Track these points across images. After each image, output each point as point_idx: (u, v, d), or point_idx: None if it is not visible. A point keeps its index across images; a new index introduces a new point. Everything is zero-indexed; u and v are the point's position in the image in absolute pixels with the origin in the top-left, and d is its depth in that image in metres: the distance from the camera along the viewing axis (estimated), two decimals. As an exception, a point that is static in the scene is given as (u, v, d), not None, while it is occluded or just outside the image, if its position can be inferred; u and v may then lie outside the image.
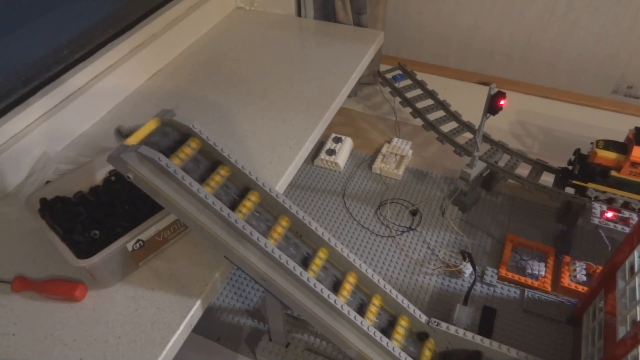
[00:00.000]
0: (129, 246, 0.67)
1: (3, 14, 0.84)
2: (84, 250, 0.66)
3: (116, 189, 0.77)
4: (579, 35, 1.39)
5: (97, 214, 0.72)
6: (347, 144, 1.26)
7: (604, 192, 0.94)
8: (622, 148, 0.92)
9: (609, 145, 0.93)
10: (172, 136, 0.67)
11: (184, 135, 0.68)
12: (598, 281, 0.80)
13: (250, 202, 0.67)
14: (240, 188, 0.69)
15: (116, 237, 0.66)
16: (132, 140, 0.62)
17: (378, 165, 1.20)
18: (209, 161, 0.69)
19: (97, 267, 0.65)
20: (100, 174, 0.80)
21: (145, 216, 0.69)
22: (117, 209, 0.73)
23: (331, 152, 1.23)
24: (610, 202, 0.95)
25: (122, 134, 0.86)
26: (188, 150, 0.66)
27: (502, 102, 0.85)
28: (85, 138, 0.98)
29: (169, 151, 0.65)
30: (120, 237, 0.66)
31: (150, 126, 0.65)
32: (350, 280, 0.70)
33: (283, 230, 0.68)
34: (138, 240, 0.68)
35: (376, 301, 0.71)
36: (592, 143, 0.96)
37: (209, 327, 0.92)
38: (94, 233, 0.69)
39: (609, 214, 0.91)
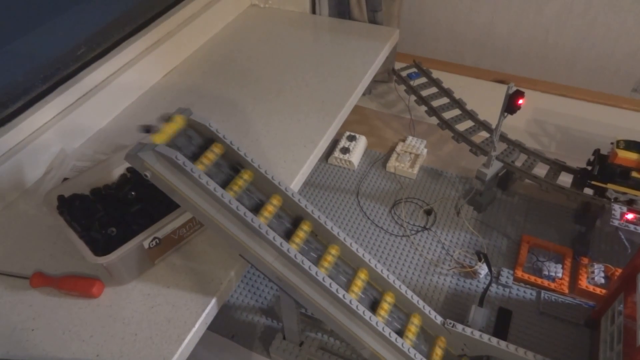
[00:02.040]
0: (146, 244, 0.68)
1: (22, 14, 0.85)
2: (101, 247, 0.67)
3: (133, 187, 0.77)
4: (598, 32, 1.36)
5: (114, 212, 0.72)
6: (361, 143, 1.26)
7: (625, 194, 0.92)
8: (644, 148, 0.90)
9: (630, 145, 0.91)
10: (195, 141, 0.67)
11: (207, 139, 0.68)
12: (617, 284, 0.78)
13: (272, 207, 0.67)
14: (263, 192, 0.69)
15: (133, 234, 0.67)
16: (158, 139, 0.62)
17: (392, 164, 1.20)
18: (230, 164, 0.69)
19: (114, 264, 0.65)
20: (117, 171, 0.81)
21: (161, 214, 0.70)
22: (134, 206, 0.73)
23: (345, 150, 1.23)
24: (630, 204, 0.93)
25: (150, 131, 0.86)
26: (211, 155, 0.66)
27: (520, 101, 0.84)
28: (101, 135, 0.98)
29: (193, 156, 0.65)
30: (137, 235, 0.67)
31: (176, 124, 0.65)
32: (363, 278, 0.70)
33: (305, 234, 0.68)
34: (154, 238, 0.68)
35: (389, 299, 0.71)
36: (612, 143, 0.94)
37: (224, 324, 0.92)
38: (111, 230, 0.70)
39: (630, 216, 0.89)
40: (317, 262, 0.67)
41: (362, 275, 0.70)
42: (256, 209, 0.66)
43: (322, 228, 0.69)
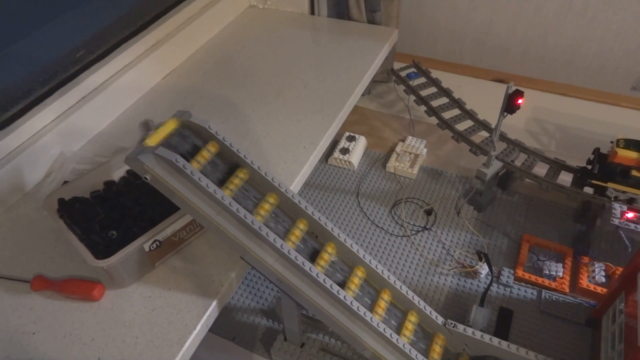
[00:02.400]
0: (146, 246, 0.67)
1: (20, 17, 0.85)
2: (101, 250, 0.67)
3: (132, 189, 0.77)
4: (597, 31, 1.36)
5: (115, 214, 0.72)
6: (361, 143, 1.26)
7: (625, 192, 0.92)
8: (644, 147, 0.90)
9: (630, 144, 0.91)
10: (190, 140, 0.67)
11: (203, 138, 0.68)
12: (618, 283, 0.78)
13: (268, 205, 0.67)
14: (259, 191, 0.69)
15: (133, 237, 0.67)
16: (151, 141, 0.62)
17: (392, 164, 1.20)
18: (227, 164, 0.69)
19: (114, 267, 0.65)
20: (117, 174, 0.81)
21: (161, 217, 0.69)
22: (134, 209, 0.73)
23: (345, 151, 1.22)
24: (630, 203, 0.93)
25: (150, 128, 0.86)
26: (206, 154, 0.66)
27: (520, 101, 0.84)
28: (101, 137, 0.98)
29: (188, 155, 0.65)
30: (137, 238, 0.67)
31: (168, 127, 0.65)
32: (360, 275, 0.69)
33: (301, 233, 0.67)
34: (155, 241, 0.68)
35: (386, 297, 0.70)
36: (612, 142, 0.94)
37: (224, 326, 0.92)
38: (111, 233, 0.70)
39: (630, 215, 0.89)
40: (314, 260, 0.67)
41: (360, 274, 0.70)
42: (253, 207, 0.66)
43: (319, 226, 0.69)
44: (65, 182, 0.83)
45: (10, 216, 0.82)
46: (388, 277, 0.70)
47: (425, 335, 0.73)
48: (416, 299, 0.72)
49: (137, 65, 1.06)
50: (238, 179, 0.66)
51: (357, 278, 0.69)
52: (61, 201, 0.73)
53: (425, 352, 0.70)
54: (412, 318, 0.71)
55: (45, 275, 0.72)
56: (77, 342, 0.64)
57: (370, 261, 0.70)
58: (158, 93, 1.10)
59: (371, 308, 0.68)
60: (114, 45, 1.05)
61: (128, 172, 0.81)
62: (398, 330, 0.69)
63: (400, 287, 0.71)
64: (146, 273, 0.72)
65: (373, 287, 0.71)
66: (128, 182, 0.79)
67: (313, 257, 0.67)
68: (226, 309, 0.95)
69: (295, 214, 0.70)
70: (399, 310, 0.72)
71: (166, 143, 0.64)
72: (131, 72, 1.05)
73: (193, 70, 1.16)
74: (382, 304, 0.69)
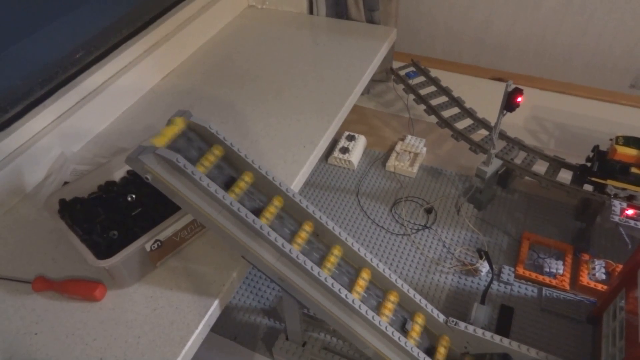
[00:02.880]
0: (148, 246, 0.67)
1: (19, 19, 0.85)
2: (103, 250, 0.67)
3: (133, 190, 0.77)
4: (595, 29, 1.37)
5: (116, 215, 0.72)
6: (361, 142, 1.26)
7: (624, 189, 0.93)
8: (643, 144, 0.90)
9: (629, 141, 0.91)
10: (196, 143, 0.67)
11: (207, 142, 0.68)
12: (619, 280, 0.79)
13: (274, 207, 0.67)
14: (264, 194, 0.69)
15: (134, 237, 0.67)
16: (158, 142, 0.62)
17: (392, 163, 1.20)
18: (233, 167, 0.69)
19: (116, 267, 0.65)
20: (117, 175, 0.81)
21: (162, 217, 0.70)
22: (135, 209, 0.73)
23: (345, 150, 1.23)
24: (630, 200, 0.93)
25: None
26: (212, 157, 0.66)
27: (519, 99, 0.84)
28: (101, 138, 0.98)
29: (194, 159, 0.65)
30: (138, 238, 0.67)
31: (175, 127, 0.65)
32: (365, 277, 0.70)
33: (307, 235, 0.68)
34: (156, 241, 0.68)
35: (392, 298, 0.71)
36: (611, 140, 0.94)
37: (226, 326, 0.92)
38: (112, 234, 0.70)
39: (630, 212, 0.90)
40: (319, 262, 0.67)
41: (365, 275, 0.70)
42: (258, 210, 0.66)
43: (324, 228, 0.69)
44: (66, 182, 0.83)
45: (11, 217, 0.82)
46: (393, 278, 0.70)
47: (430, 337, 0.73)
48: (417, 297, 0.72)
49: (136, 66, 1.06)
50: (243, 182, 0.67)
51: (363, 280, 0.69)
52: (62, 202, 0.73)
53: (430, 353, 0.71)
54: (419, 320, 0.72)
55: (46, 276, 0.72)
56: (79, 343, 0.64)
57: (376, 263, 0.70)
58: (157, 94, 1.10)
59: (377, 309, 0.68)
60: (113, 46, 1.05)
61: (129, 172, 0.81)
62: (405, 331, 0.70)
63: (404, 287, 0.71)
64: (147, 273, 0.72)
65: (379, 288, 0.72)
66: (129, 182, 0.79)
67: (318, 258, 0.68)
68: (227, 308, 0.95)
69: (300, 216, 0.70)
70: (405, 311, 0.72)
71: (172, 146, 0.64)
72: (130, 73, 1.05)
73: (192, 71, 1.16)
74: (389, 304, 0.69)
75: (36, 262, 0.74)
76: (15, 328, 0.66)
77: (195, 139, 0.67)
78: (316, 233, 0.70)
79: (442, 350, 0.71)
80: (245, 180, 0.67)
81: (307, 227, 0.69)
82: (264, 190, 0.69)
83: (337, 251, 0.69)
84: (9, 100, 0.86)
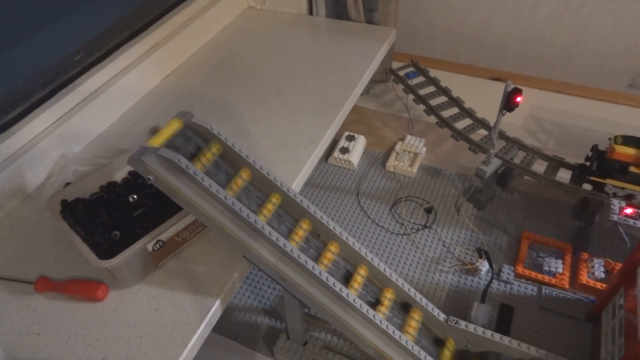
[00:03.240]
0: (149, 247, 0.68)
1: (20, 20, 0.85)
2: (105, 251, 0.67)
3: (134, 190, 0.77)
4: (593, 29, 1.37)
5: (118, 215, 0.73)
6: (361, 142, 1.26)
7: (623, 189, 0.93)
8: (641, 143, 0.91)
9: (628, 140, 0.92)
10: (193, 141, 0.67)
11: (205, 140, 0.68)
12: (618, 278, 0.79)
13: (272, 205, 0.67)
14: (262, 191, 0.70)
15: (136, 238, 0.67)
16: (155, 142, 0.63)
17: (392, 163, 1.20)
18: (231, 164, 0.69)
19: (118, 267, 0.66)
20: (119, 175, 0.81)
21: (164, 217, 0.70)
22: (137, 210, 0.74)
23: (345, 150, 1.23)
24: (629, 198, 0.94)
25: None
26: (210, 155, 0.66)
27: (518, 98, 0.85)
28: (102, 139, 0.99)
29: (192, 156, 0.65)
30: (140, 238, 0.67)
31: (172, 127, 0.65)
32: (363, 274, 0.70)
33: (304, 232, 0.68)
34: (158, 241, 0.68)
35: (389, 295, 0.71)
36: (610, 139, 0.95)
37: (227, 325, 0.92)
38: (114, 234, 0.70)
39: (629, 210, 0.90)
40: (317, 259, 0.67)
41: (362, 272, 0.70)
42: (256, 207, 0.66)
43: (322, 225, 0.69)
44: (67, 183, 0.83)
45: (12, 218, 0.82)
46: (388, 273, 0.71)
47: (429, 334, 0.73)
48: (424, 301, 0.72)
49: (136, 67, 1.06)
50: (241, 180, 0.67)
51: (360, 276, 0.69)
52: (64, 202, 0.74)
53: (429, 350, 0.71)
54: (416, 316, 0.72)
55: (48, 276, 0.72)
56: (81, 343, 0.64)
57: (372, 259, 0.70)
58: (157, 95, 1.10)
59: (375, 306, 0.69)
60: (113, 48, 1.06)
61: (130, 173, 0.81)
62: (402, 328, 0.70)
63: (408, 289, 0.72)
64: (149, 273, 0.72)
65: (376, 285, 0.72)
66: (130, 183, 0.79)
67: (316, 256, 0.68)
68: (229, 308, 0.95)
69: (298, 214, 0.70)
70: (402, 308, 0.73)
71: (170, 144, 0.64)
72: (130, 74, 1.05)
73: (192, 72, 1.16)
74: (386, 302, 0.70)
75: (38, 262, 0.75)
76: (18, 328, 0.66)
77: (193, 137, 0.67)
78: (314, 231, 0.71)
79: (447, 353, 0.72)
80: (243, 178, 0.68)
81: (305, 225, 0.69)
82: (262, 187, 0.70)
83: (334, 248, 0.69)
84: (10, 102, 0.87)
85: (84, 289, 0.69)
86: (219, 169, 0.67)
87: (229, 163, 0.69)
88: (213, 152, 0.67)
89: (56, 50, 0.94)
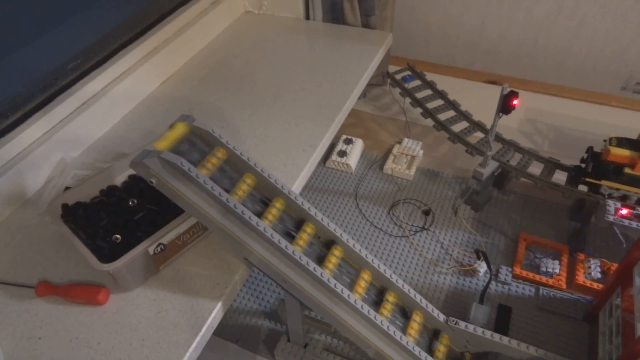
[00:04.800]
0: (151, 250, 0.68)
1: (19, 26, 0.86)
2: (106, 254, 0.67)
3: (136, 194, 0.78)
4: (586, 32, 1.39)
5: (118, 219, 0.73)
6: (358, 145, 1.27)
7: (618, 190, 0.94)
8: (636, 145, 0.92)
9: (622, 142, 0.93)
10: (198, 146, 0.68)
11: (210, 145, 0.69)
12: (614, 278, 0.80)
13: (275, 209, 0.68)
14: (265, 196, 0.70)
15: (137, 241, 0.67)
16: (161, 145, 0.63)
17: (389, 165, 1.21)
18: (235, 170, 0.70)
19: (120, 271, 0.66)
20: (119, 179, 0.81)
21: (165, 220, 0.70)
22: (137, 213, 0.74)
23: (342, 153, 1.24)
24: (624, 199, 0.95)
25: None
26: (214, 160, 0.67)
27: (515, 101, 0.86)
28: (101, 144, 0.99)
29: (197, 162, 0.66)
30: (141, 242, 0.67)
31: (178, 131, 0.66)
32: (366, 278, 0.71)
33: (308, 236, 0.69)
34: (159, 244, 0.69)
35: (391, 298, 0.72)
36: (604, 141, 0.96)
37: (228, 328, 0.92)
38: (115, 237, 0.70)
39: (624, 211, 0.91)
40: (320, 263, 0.68)
41: (365, 276, 0.71)
42: (260, 212, 0.67)
43: (325, 229, 0.70)
44: (67, 187, 0.83)
45: (12, 223, 0.82)
46: (393, 278, 0.71)
47: (429, 335, 0.74)
48: (416, 296, 0.73)
49: (134, 72, 1.07)
50: (246, 185, 0.67)
51: (364, 281, 0.70)
52: (65, 206, 0.74)
53: (429, 350, 0.72)
54: (417, 318, 0.73)
55: (49, 280, 0.72)
56: (83, 346, 0.64)
57: (377, 264, 0.71)
58: (156, 99, 1.10)
59: (377, 308, 0.69)
60: (112, 53, 1.06)
61: (130, 176, 0.82)
62: (403, 329, 0.71)
63: (409, 290, 0.72)
64: (151, 276, 0.72)
65: (378, 288, 0.73)
66: (131, 186, 0.80)
67: (320, 259, 0.69)
68: (229, 311, 0.96)
69: (301, 218, 0.71)
70: (404, 310, 0.73)
71: (175, 149, 0.64)
72: (129, 79, 1.05)
73: (190, 76, 1.17)
74: (387, 305, 0.70)
75: (39, 267, 0.75)
76: (20, 332, 0.66)
77: (198, 142, 0.68)
78: (317, 234, 0.71)
79: (441, 348, 0.72)
80: (247, 183, 0.68)
81: (308, 229, 0.70)
82: (266, 192, 0.70)
83: (337, 252, 0.70)
84: (9, 107, 0.87)
85: (85, 292, 0.69)
86: (223, 174, 0.68)
87: (233, 168, 0.70)
88: (218, 157, 0.67)
89: (55, 56, 0.95)
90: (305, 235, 0.69)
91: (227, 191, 0.64)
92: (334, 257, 0.69)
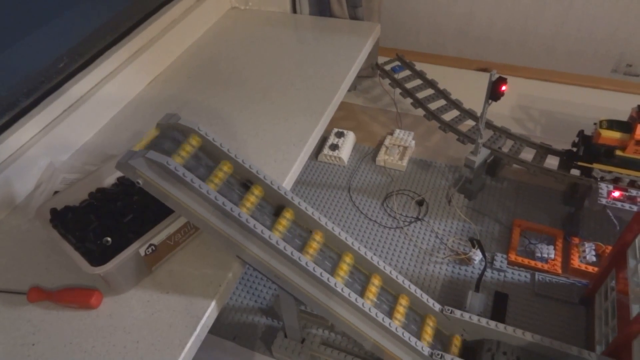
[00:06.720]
0: (142, 251, 0.68)
1: (2, 28, 0.85)
2: (97, 257, 0.66)
3: (124, 195, 0.77)
4: (575, 16, 1.39)
5: (108, 221, 0.72)
6: (350, 138, 1.27)
7: (610, 172, 0.94)
8: (626, 127, 0.92)
9: (613, 125, 0.93)
10: (174, 136, 0.67)
11: (187, 135, 0.68)
12: (608, 261, 0.80)
13: (254, 197, 0.67)
14: (243, 183, 0.69)
15: (128, 243, 0.67)
16: (139, 146, 0.62)
17: (382, 157, 1.21)
18: (211, 158, 0.69)
19: (111, 273, 0.65)
20: (108, 181, 0.80)
21: (155, 221, 0.70)
22: (127, 215, 0.73)
23: (334, 147, 1.23)
24: (616, 182, 0.95)
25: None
26: (189, 147, 0.66)
27: (503, 87, 0.86)
28: (89, 146, 0.98)
29: (172, 151, 0.65)
30: (132, 243, 0.67)
31: (151, 135, 0.65)
32: (348, 261, 0.70)
33: (288, 222, 0.68)
34: (150, 245, 0.68)
35: (376, 282, 0.71)
36: (595, 124, 0.96)
37: (225, 327, 0.92)
38: (106, 240, 0.70)
39: (616, 194, 0.91)
40: (301, 249, 0.67)
41: (348, 260, 0.70)
42: (238, 200, 0.66)
43: (305, 215, 0.69)
44: (56, 192, 0.82)
45: (2, 229, 0.81)
46: (378, 262, 0.71)
47: (416, 318, 0.74)
48: (406, 283, 0.72)
49: (121, 73, 1.05)
50: (222, 172, 0.66)
51: (346, 264, 0.69)
52: (53, 211, 0.73)
53: (418, 334, 0.71)
54: (403, 301, 0.72)
55: (41, 286, 0.71)
56: (77, 351, 0.64)
57: (358, 247, 0.70)
58: (144, 100, 1.09)
59: (362, 293, 0.69)
60: (97, 53, 1.05)
61: (119, 178, 0.81)
62: (390, 314, 0.70)
63: (390, 272, 0.72)
64: (143, 278, 0.72)
65: (363, 272, 0.72)
66: (120, 188, 0.79)
67: (302, 245, 0.68)
68: (225, 309, 0.95)
69: (280, 204, 0.70)
70: (390, 294, 0.73)
71: (154, 144, 0.64)
72: (116, 80, 1.04)
73: (178, 75, 1.16)
74: (373, 289, 0.70)
75: (30, 272, 0.74)
76: (13, 339, 0.66)
77: (175, 134, 0.67)
78: (295, 220, 0.70)
79: (429, 330, 0.72)
80: (224, 170, 0.67)
81: (288, 215, 0.69)
82: (243, 179, 0.69)
83: (318, 237, 0.69)
84: (-6, 112, 0.86)
85: (77, 297, 0.68)
86: (198, 162, 0.66)
87: (210, 156, 0.69)
88: (192, 145, 0.66)
89: (39, 58, 0.93)
90: (285, 221, 0.68)
91: (204, 179, 0.63)
92: (315, 243, 0.68)
